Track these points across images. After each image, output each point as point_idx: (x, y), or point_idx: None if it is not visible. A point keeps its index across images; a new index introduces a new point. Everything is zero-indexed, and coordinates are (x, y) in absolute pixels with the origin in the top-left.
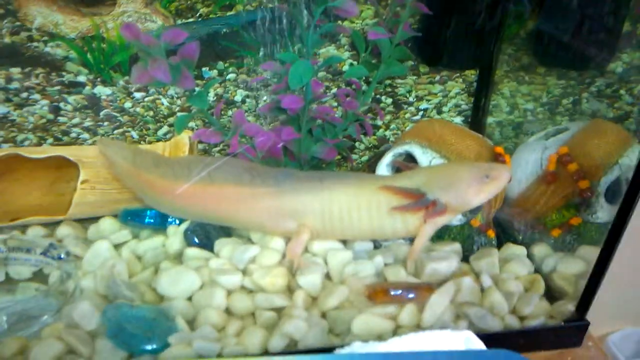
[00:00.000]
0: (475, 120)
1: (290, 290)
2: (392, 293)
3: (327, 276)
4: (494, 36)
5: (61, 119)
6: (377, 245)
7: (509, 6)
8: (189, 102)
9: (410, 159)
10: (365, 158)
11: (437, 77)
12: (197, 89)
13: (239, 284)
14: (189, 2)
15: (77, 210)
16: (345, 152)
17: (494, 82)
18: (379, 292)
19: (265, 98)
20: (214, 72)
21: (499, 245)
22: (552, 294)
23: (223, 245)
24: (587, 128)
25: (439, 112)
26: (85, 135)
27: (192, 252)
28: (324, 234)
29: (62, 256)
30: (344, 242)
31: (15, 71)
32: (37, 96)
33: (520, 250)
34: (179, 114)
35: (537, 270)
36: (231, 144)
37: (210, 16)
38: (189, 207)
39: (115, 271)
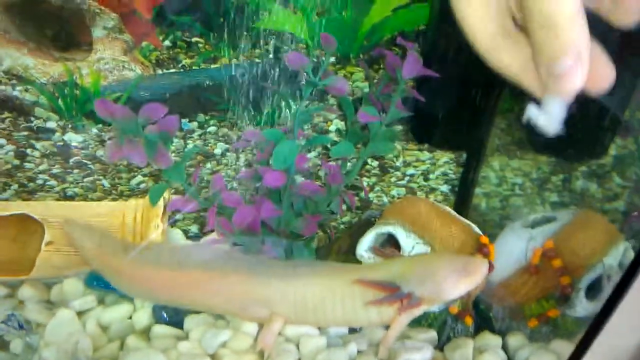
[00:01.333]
0: (463, 191)
1: None
2: None
3: None
4: (488, 113)
5: (27, 164)
6: (353, 329)
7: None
8: (164, 177)
9: (392, 238)
10: (346, 218)
11: (426, 145)
12: (177, 162)
13: None
14: (171, 52)
15: (41, 272)
16: (328, 227)
17: (485, 155)
18: None
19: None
20: (194, 124)
21: (476, 333)
22: None
23: (193, 325)
24: (574, 222)
25: (426, 179)
26: (53, 182)
27: (160, 329)
28: (297, 322)
29: (23, 325)
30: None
31: None
32: (2, 141)
33: (496, 340)
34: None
35: None
36: (208, 221)
37: (194, 67)
38: (158, 293)
39: (79, 347)
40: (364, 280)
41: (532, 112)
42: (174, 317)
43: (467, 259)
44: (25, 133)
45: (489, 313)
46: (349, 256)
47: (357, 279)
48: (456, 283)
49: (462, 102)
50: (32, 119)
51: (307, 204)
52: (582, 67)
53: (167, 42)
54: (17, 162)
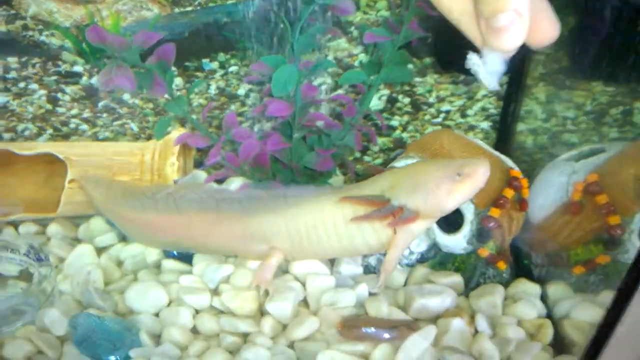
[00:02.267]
0: (504, 127)
1: (263, 314)
2: (364, 331)
3: (305, 302)
4: None
5: (59, 109)
6: (369, 269)
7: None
8: (166, 108)
9: None
10: (379, 161)
11: (462, 77)
12: (179, 93)
13: (207, 304)
14: None
15: (66, 209)
16: (344, 161)
17: (526, 86)
18: (351, 327)
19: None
20: (215, 64)
21: (511, 280)
22: (560, 345)
23: (200, 260)
24: (624, 153)
25: (463, 116)
26: (84, 126)
27: (169, 264)
28: (296, 254)
29: (41, 257)
30: (332, 263)
31: (13, 60)
32: (34, 86)
33: (533, 288)
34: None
35: (549, 314)
36: (210, 154)
37: (210, 4)
38: (160, 238)
39: (91, 278)
40: (350, 197)
41: (472, 62)
42: (184, 252)
43: (462, 160)
44: (55, 77)
45: (528, 258)
46: None
47: (343, 197)
48: (451, 190)
49: None
50: (60, 63)
51: (321, 138)
52: (523, 23)
53: None
54: (49, 106)
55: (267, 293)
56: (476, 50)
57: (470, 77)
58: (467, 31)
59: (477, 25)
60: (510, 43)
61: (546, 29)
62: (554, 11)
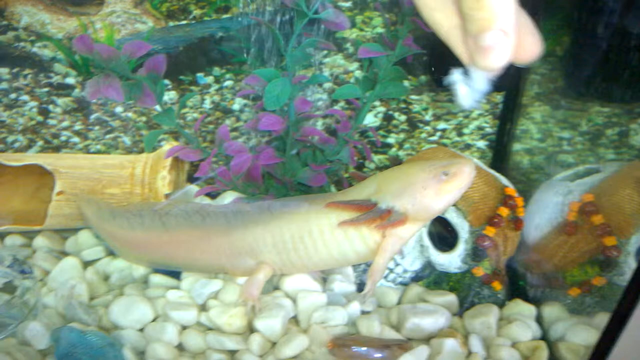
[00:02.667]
0: (500, 146)
1: (252, 331)
2: (354, 350)
3: (296, 320)
4: None
5: (50, 121)
6: (362, 287)
7: (539, 19)
8: (155, 120)
9: None
10: None
11: None
12: (170, 106)
13: (194, 320)
14: (181, 3)
15: (53, 221)
16: (339, 177)
17: (522, 105)
18: (342, 346)
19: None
20: (210, 78)
21: (506, 301)
22: None
23: (188, 275)
24: (620, 173)
25: (460, 134)
26: (76, 139)
27: (156, 279)
28: (285, 268)
29: (26, 270)
30: (325, 280)
31: (4, 71)
32: (26, 97)
33: (529, 309)
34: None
35: (544, 336)
36: (200, 168)
37: (205, 19)
38: (148, 256)
39: (75, 292)
40: (336, 202)
41: (453, 78)
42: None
43: (447, 161)
44: (46, 89)
45: (524, 279)
46: None
47: (329, 202)
48: (438, 190)
49: None
50: (52, 75)
51: (315, 153)
52: (509, 42)
53: None
54: (40, 118)
55: (254, 309)
56: (463, 66)
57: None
58: (455, 47)
59: (464, 42)
60: (496, 62)
61: (530, 46)
62: (544, 30)
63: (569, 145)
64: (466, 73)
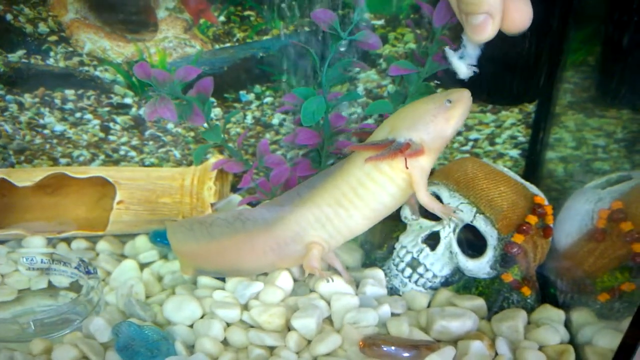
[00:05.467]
0: (533, 155)
1: (289, 329)
2: (384, 349)
3: (329, 320)
4: (548, 64)
5: (111, 137)
6: (393, 291)
7: (568, 31)
8: (203, 136)
9: (439, 201)
10: None
11: (489, 106)
12: (217, 123)
13: (238, 318)
14: (226, 27)
15: (114, 227)
16: None
17: (555, 114)
18: (372, 345)
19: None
20: (251, 96)
21: (535, 306)
22: None
23: (232, 278)
24: None
25: (492, 144)
26: (133, 153)
27: (204, 280)
28: (333, 239)
29: (90, 271)
30: (357, 285)
31: (70, 93)
32: (89, 116)
33: (557, 314)
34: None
35: (572, 340)
36: (243, 179)
37: (247, 41)
38: (207, 266)
39: (133, 291)
40: (358, 145)
41: (448, 53)
42: None
43: (447, 92)
44: (107, 109)
45: (554, 286)
46: (398, 222)
47: (350, 146)
48: (447, 116)
49: (520, 52)
50: (112, 95)
51: None
52: (494, 22)
53: (222, 18)
54: (102, 134)
55: (320, 278)
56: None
57: (498, 106)
58: (458, 17)
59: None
60: (483, 37)
61: (517, 19)
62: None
63: (604, 152)
64: (457, 49)
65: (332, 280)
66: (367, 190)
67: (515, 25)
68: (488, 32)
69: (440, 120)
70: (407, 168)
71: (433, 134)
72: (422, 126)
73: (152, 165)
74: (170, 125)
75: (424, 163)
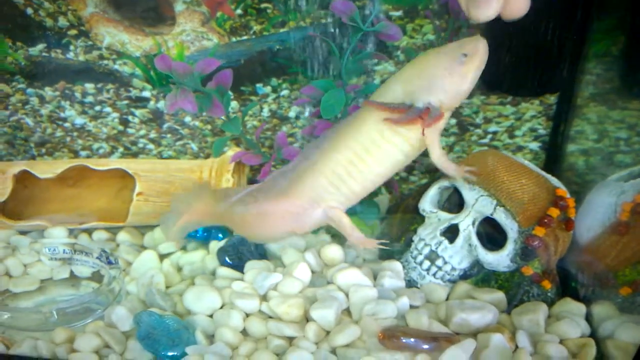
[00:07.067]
0: (554, 148)
1: (307, 320)
2: (403, 341)
3: (348, 312)
4: (570, 55)
5: (130, 130)
6: (411, 284)
7: (591, 21)
8: (222, 128)
9: (457, 193)
10: (424, 181)
11: (509, 98)
12: (236, 115)
13: (257, 308)
14: (242, 20)
15: (134, 219)
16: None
17: (576, 106)
18: (391, 337)
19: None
20: (268, 88)
21: (556, 300)
22: None
23: (250, 268)
24: None
25: (511, 136)
26: (151, 146)
27: (223, 271)
28: (349, 199)
29: (112, 261)
30: (375, 277)
31: (90, 87)
32: (108, 109)
33: (579, 308)
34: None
35: (593, 334)
36: (262, 171)
37: (264, 33)
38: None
39: (154, 281)
40: (374, 102)
41: None
42: (236, 261)
43: (460, 43)
44: (126, 102)
45: (575, 279)
46: (416, 215)
47: (366, 101)
48: (463, 72)
49: (542, 43)
50: (131, 89)
51: None
52: (497, 1)
53: (239, 11)
54: (121, 127)
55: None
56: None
57: (519, 97)
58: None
59: None
60: (486, 14)
61: (516, 5)
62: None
63: (627, 145)
64: None
65: (385, 246)
66: (380, 149)
67: (514, 10)
68: (492, 9)
69: (456, 78)
70: (423, 133)
71: (451, 94)
72: (439, 87)
73: (169, 157)
74: (187, 118)
75: (440, 123)
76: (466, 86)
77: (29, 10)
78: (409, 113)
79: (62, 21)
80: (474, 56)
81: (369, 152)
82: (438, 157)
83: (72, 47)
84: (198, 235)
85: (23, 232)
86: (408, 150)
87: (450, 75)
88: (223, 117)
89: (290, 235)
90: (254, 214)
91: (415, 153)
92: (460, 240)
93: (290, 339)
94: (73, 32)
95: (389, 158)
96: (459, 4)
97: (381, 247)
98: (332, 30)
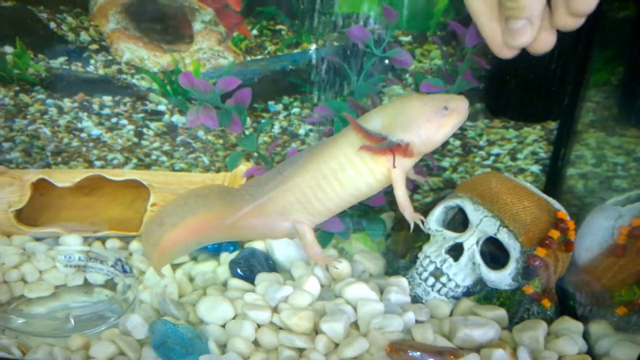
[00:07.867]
0: (554, 171)
1: (317, 333)
2: (410, 354)
3: (356, 325)
4: (571, 84)
5: (144, 142)
6: (416, 299)
7: (593, 51)
8: (238, 144)
9: (462, 213)
10: (428, 199)
11: (512, 122)
12: (248, 131)
13: (268, 320)
14: (258, 40)
15: None
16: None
17: (577, 131)
18: (398, 350)
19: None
20: (280, 106)
21: (555, 318)
22: None
23: (261, 281)
24: None
25: (513, 159)
26: (164, 158)
27: (235, 282)
28: (316, 219)
29: (127, 269)
30: (381, 292)
31: (108, 99)
32: (124, 122)
33: (576, 326)
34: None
35: (590, 351)
36: None
37: (278, 53)
38: (201, 237)
39: (167, 291)
40: (352, 120)
41: None
42: (247, 273)
43: (445, 96)
44: (142, 115)
45: (573, 299)
46: (421, 233)
47: (345, 114)
48: (441, 124)
49: (545, 72)
50: (147, 103)
51: None
52: (533, 29)
53: (254, 31)
54: (136, 139)
55: (328, 266)
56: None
57: (521, 123)
58: (486, 34)
59: (494, 30)
60: (520, 42)
61: (544, 40)
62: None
63: (624, 170)
64: None
65: (337, 268)
66: (345, 175)
67: (542, 44)
68: (526, 37)
69: (433, 126)
70: (394, 167)
71: (423, 139)
72: (415, 128)
73: (181, 169)
74: (200, 132)
75: (407, 163)
76: (440, 137)
77: (52, 25)
78: (382, 144)
79: (84, 36)
80: (455, 112)
81: (335, 176)
82: (400, 196)
83: (92, 61)
84: (209, 247)
85: (37, 239)
86: (372, 182)
87: (428, 122)
88: (237, 133)
89: (264, 238)
90: (229, 224)
91: (378, 187)
92: (464, 258)
93: (301, 350)
94: (94, 46)
95: (353, 185)
96: (480, 33)
97: (334, 267)
98: (344, 53)
